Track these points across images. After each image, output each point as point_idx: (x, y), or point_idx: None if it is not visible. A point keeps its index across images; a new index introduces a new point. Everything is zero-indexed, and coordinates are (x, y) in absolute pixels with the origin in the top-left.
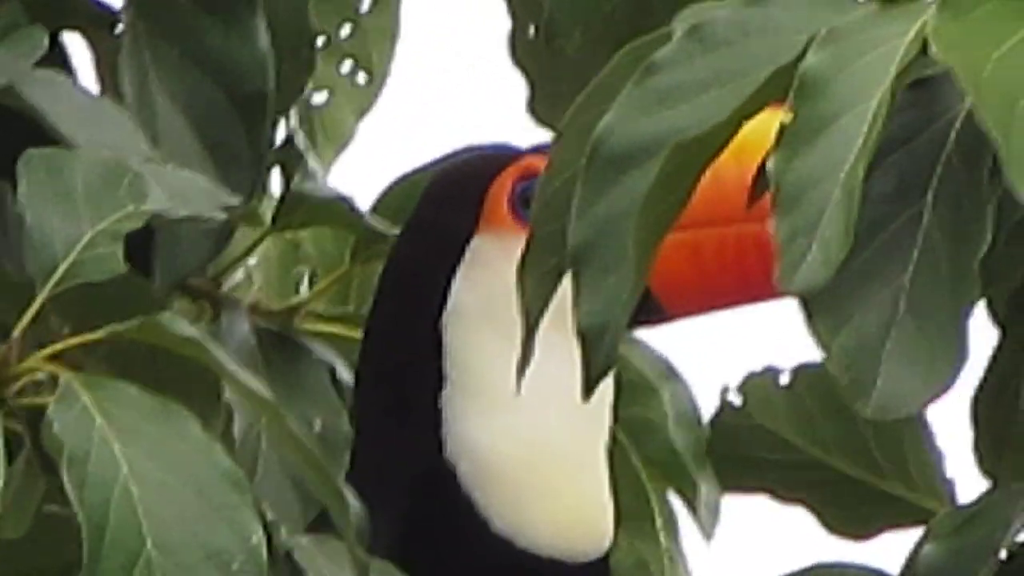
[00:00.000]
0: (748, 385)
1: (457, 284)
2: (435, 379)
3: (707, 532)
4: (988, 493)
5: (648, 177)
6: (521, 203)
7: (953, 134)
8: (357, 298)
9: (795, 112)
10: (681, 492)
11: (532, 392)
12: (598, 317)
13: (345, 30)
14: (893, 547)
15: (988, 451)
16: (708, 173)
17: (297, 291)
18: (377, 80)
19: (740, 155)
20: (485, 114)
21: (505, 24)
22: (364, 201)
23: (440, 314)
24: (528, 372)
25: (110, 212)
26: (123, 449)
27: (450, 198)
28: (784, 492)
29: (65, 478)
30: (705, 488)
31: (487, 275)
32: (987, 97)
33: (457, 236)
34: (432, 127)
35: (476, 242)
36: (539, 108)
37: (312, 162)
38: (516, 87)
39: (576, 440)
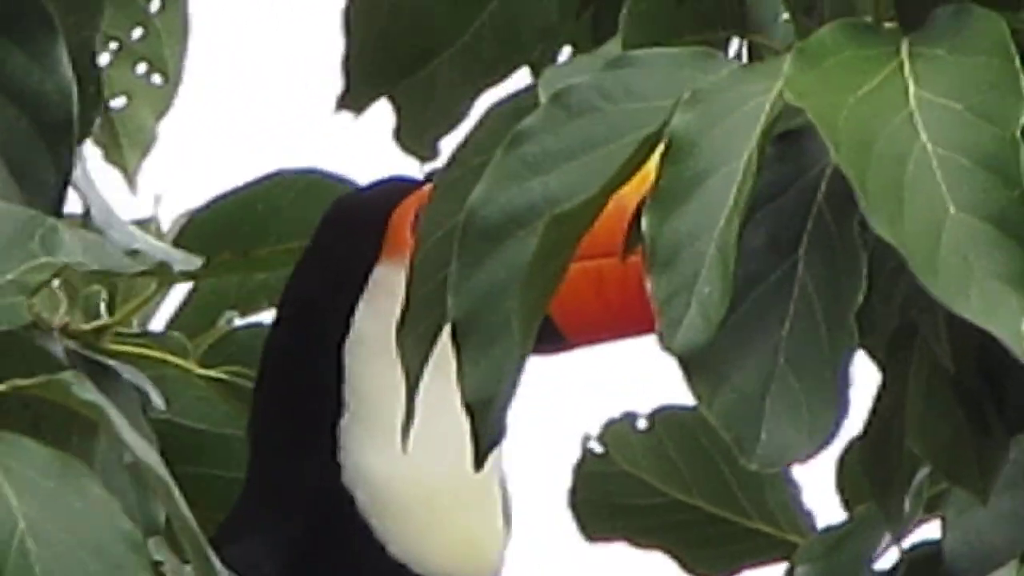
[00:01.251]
0: (608, 432)
1: (360, 312)
2: (334, 406)
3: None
4: (850, 518)
5: (526, 247)
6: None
7: (823, 186)
8: (142, 317)
9: (665, 173)
10: None
11: (428, 427)
12: (484, 391)
13: (137, 33)
14: None
15: (874, 486)
16: (611, 203)
17: (98, 312)
18: (172, 80)
19: (642, 184)
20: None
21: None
22: (173, 203)
23: (342, 342)
24: (424, 410)
25: (20, 263)
26: (19, 505)
27: (352, 226)
28: (644, 538)
29: None
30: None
31: (390, 304)
32: (844, 140)
33: (359, 264)
34: (238, 127)
35: (379, 271)
36: (405, 138)
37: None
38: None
39: (469, 474)
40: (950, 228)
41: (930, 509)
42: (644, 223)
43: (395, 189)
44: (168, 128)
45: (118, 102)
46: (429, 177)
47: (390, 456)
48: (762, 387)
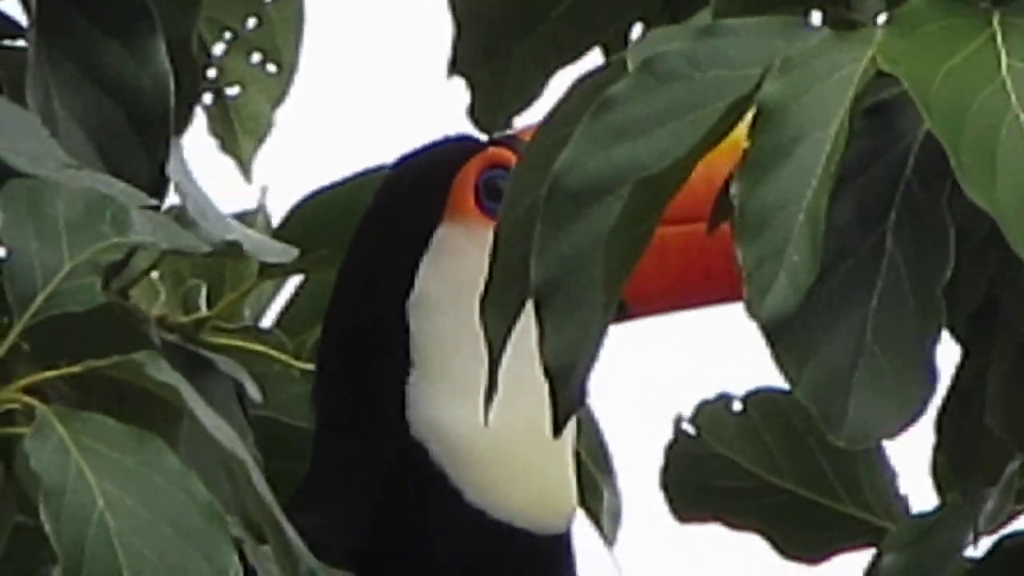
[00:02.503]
0: (701, 413)
1: (423, 272)
2: (400, 365)
3: (609, 538)
4: (944, 502)
5: (610, 213)
6: (486, 193)
7: (912, 159)
8: (254, 312)
9: (755, 141)
10: (583, 500)
11: (504, 388)
12: (565, 356)
13: (251, 22)
14: (841, 570)
15: (954, 465)
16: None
17: (197, 304)
18: (287, 69)
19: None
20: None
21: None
22: (285, 194)
23: (406, 301)
24: (498, 380)
25: (91, 243)
26: (99, 482)
27: (415, 187)
28: (737, 519)
29: (42, 512)
30: (608, 494)
31: (453, 264)
32: (937, 108)
33: (422, 225)
34: (348, 118)
35: (441, 231)
36: (481, 116)
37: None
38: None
39: (539, 425)
40: None
41: (1021, 498)
42: (733, 190)
43: (457, 150)
44: (283, 117)
45: (233, 91)
46: (492, 139)
47: (462, 408)
48: (850, 361)
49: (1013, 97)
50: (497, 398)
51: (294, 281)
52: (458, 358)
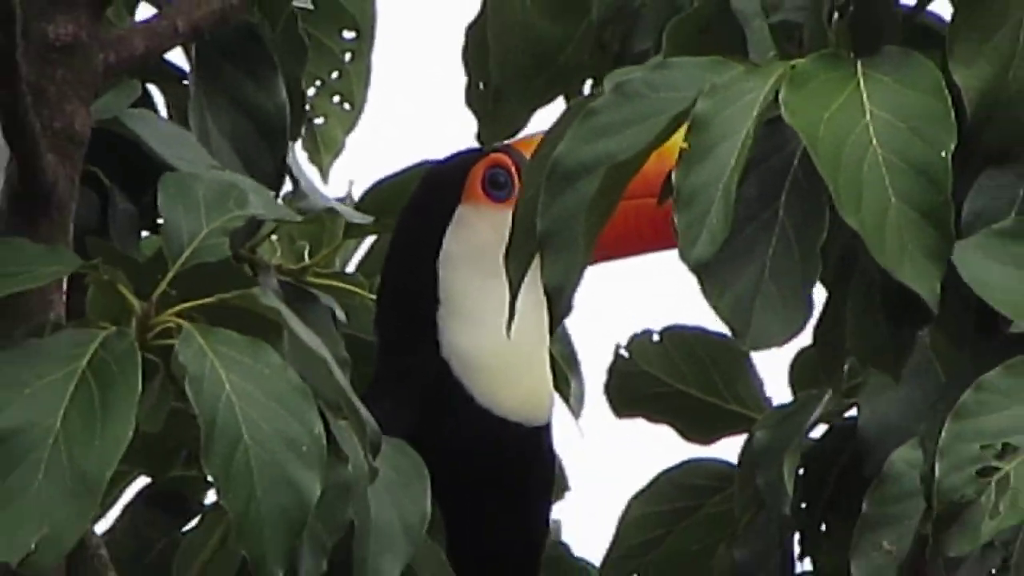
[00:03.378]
0: (632, 343)
1: (447, 238)
2: (432, 303)
3: (576, 414)
4: (795, 399)
5: (590, 187)
6: (489, 184)
7: (797, 157)
8: (342, 261)
9: (689, 142)
10: (559, 388)
11: (501, 316)
12: (559, 282)
13: (334, 75)
14: (725, 448)
15: (823, 366)
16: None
17: (303, 256)
18: (357, 108)
19: (663, 155)
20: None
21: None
22: (357, 188)
23: (436, 258)
24: (496, 306)
25: (221, 215)
26: (226, 374)
27: (443, 180)
28: (656, 415)
29: (188, 393)
30: (574, 383)
31: (468, 233)
32: (820, 148)
33: (448, 207)
34: (399, 140)
35: (460, 210)
36: (483, 137)
37: (305, 178)
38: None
39: (528, 348)
40: (891, 215)
41: (848, 396)
42: (674, 176)
43: (470, 156)
44: (352, 140)
45: (319, 121)
46: (492, 147)
47: (473, 335)
48: (752, 293)
49: (874, 138)
50: (498, 330)
51: (369, 240)
52: (471, 299)
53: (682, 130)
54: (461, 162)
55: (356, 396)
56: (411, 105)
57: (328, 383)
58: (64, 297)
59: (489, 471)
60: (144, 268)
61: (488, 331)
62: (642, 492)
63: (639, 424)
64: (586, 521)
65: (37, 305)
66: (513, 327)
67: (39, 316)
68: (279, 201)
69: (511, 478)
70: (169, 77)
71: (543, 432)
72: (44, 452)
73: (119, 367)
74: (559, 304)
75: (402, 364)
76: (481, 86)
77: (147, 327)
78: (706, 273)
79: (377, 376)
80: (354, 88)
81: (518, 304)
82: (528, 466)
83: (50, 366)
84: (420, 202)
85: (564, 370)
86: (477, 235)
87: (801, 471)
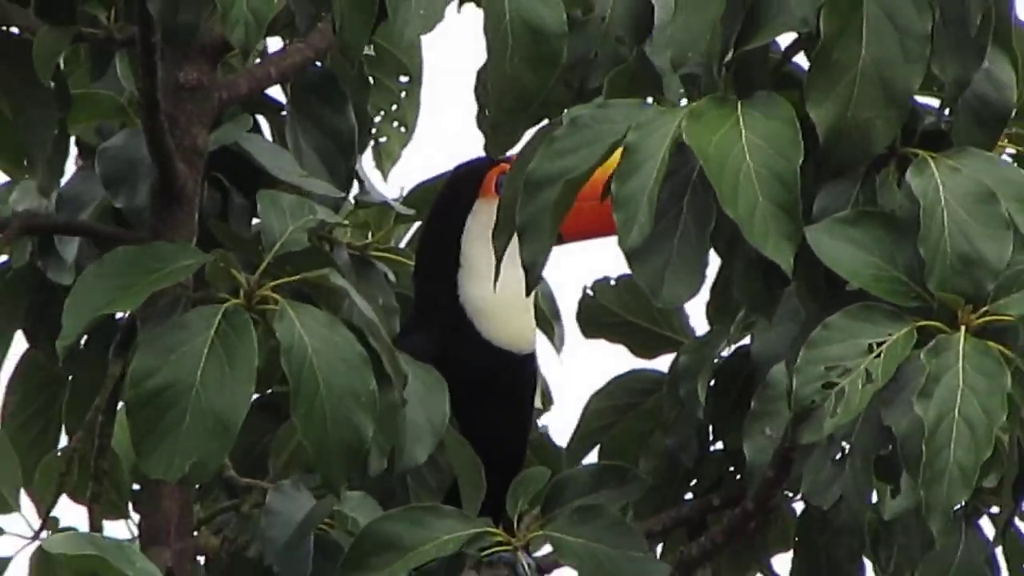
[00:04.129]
0: (596, 286)
1: (468, 222)
2: (456, 266)
3: (558, 350)
4: (711, 330)
5: (553, 193)
6: (498, 186)
7: (696, 172)
8: (396, 238)
9: (621, 161)
10: (545, 332)
11: (503, 276)
12: (532, 260)
13: (394, 107)
14: (663, 362)
15: (716, 312)
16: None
17: (367, 236)
18: (410, 129)
19: (605, 170)
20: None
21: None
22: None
23: (461, 235)
24: (500, 273)
25: (300, 217)
26: (310, 342)
27: (465, 181)
28: (612, 338)
29: (281, 358)
30: (557, 328)
31: (482, 219)
32: (710, 163)
33: (469, 200)
34: (437, 153)
35: (477, 204)
36: (490, 151)
37: (368, 181)
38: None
39: (518, 299)
40: (759, 209)
41: (746, 330)
42: (612, 186)
43: (484, 165)
44: (405, 153)
45: (382, 140)
46: (500, 159)
47: (482, 289)
48: (664, 266)
49: (748, 156)
50: (501, 286)
51: (416, 225)
52: (482, 265)
53: (618, 153)
54: (479, 168)
55: (393, 346)
56: (446, 128)
57: (377, 337)
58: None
59: (491, 384)
60: (249, 245)
61: (493, 288)
62: (599, 391)
63: (601, 344)
64: (565, 417)
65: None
66: (506, 284)
67: (175, 289)
68: (350, 197)
69: (507, 389)
70: (271, 109)
71: (529, 358)
72: (188, 402)
73: (237, 335)
74: (533, 274)
75: (431, 308)
76: (487, 114)
77: (251, 296)
78: (634, 255)
79: (412, 316)
80: (407, 116)
81: (512, 267)
82: (518, 380)
83: (188, 337)
84: (451, 194)
85: (549, 319)
86: (489, 220)
87: (713, 382)
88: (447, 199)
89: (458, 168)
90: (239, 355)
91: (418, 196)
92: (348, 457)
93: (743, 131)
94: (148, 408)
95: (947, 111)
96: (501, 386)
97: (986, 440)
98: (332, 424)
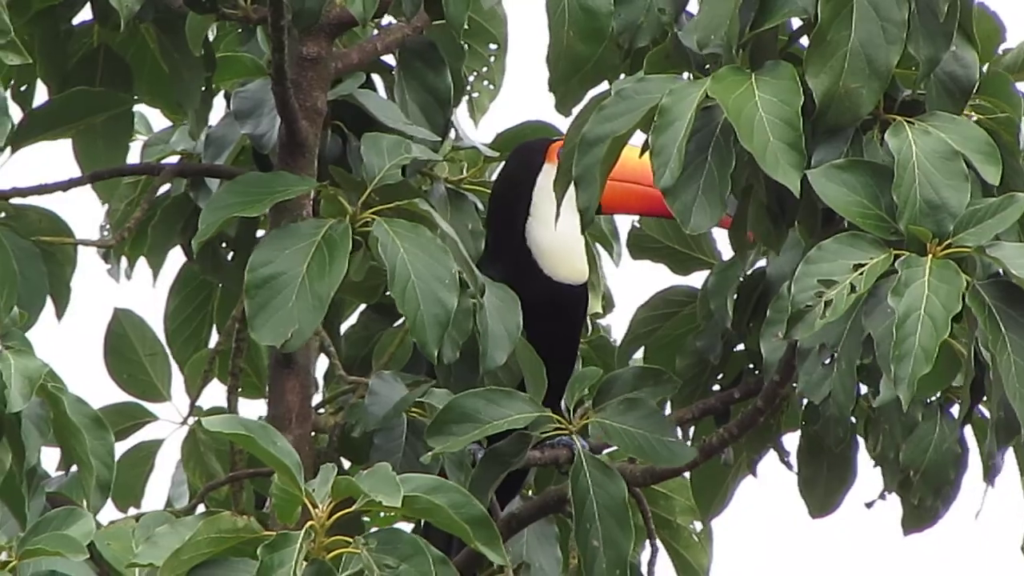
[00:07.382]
0: (642, 220)
1: (538, 181)
2: (525, 214)
3: (616, 263)
4: (733, 257)
5: (602, 150)
6: (559, 153)
7: (719, 127)
8: (485, 175)
9: (657, 122)
10: (605, 248)
11: (562, 223)
12: (585, 205)
13: (484, 69)
14: (697, 280)
15: (737, 244)
16: (632, 161)
17: (461, 171)
18: (497, 87)
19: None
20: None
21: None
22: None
23: (532, 186)
24: (558, 218)
25: (396, 156)
26: (401, 242)
27: (534, 150)
28: (656, 259)
29: (380, 254)
30: (616, 246)
31: (548, 179)
32: (731, 113)
33: (539, 163)
34: (519, 107)
35: (545, 166)
36: (558, 110)
37: (462, 128)
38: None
39: (574, 241)
40: (771, 145)
41: (763, 255)
42: (649, 138)
43: (549, 138)
44: (493, 106)
45: (475, 95)
46: (559, 137)
47: (545, 233)
48: (692, 201)
49: (760, 109)
50: (561, 229)
51: (500, 164)
52: (547, 213)
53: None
54: (545, 141)
55: (472, 262)
56: (526, 86)
57: (457, 254)
58: (311, 203)
59: (551, 308)
60: (358, 184)
61: (552, 231)
62: (645, 303)
63: (647, 263)
64: (621, 319)
65: (296, 207)
66: (563, 229)
67: (297, 212)
68: (446, 142)
69: (562, 312)
70: (385, 70)
71: (582, 288)
72: (295, 288)
73: (339, 239)
74: (586, 216)
75: (502, 250)
76: (553, 81)
77: (356, 220)
78: (668, 192)
79: (484, 257)
80: (495, 76)
81: (569, 216)
82: (572, 305)
83: (299, 239)
84: (524, 160)
85: (610, 239)
86: (552, 180)
87: (736, 296)
88: (520, 164)
89: (531, 142)
90: (337, 255)
91: (503, 141)
92: (438, 326)
93: (756, 91)
94: (263, 289)
95: (921, 85)
96: (558, 310)
97: (943, 326)
98: (424, 301)
